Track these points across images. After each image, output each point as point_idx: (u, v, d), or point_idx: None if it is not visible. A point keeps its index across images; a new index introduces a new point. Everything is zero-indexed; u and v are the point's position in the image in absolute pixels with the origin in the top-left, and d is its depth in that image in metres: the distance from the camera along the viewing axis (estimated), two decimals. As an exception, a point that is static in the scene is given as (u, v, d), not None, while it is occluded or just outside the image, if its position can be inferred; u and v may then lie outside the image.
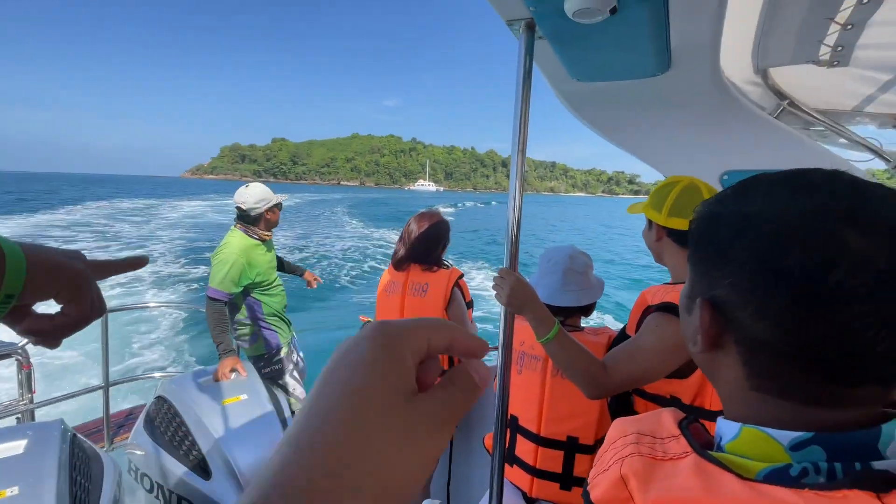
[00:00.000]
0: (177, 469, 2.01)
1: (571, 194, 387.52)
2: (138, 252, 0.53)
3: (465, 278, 2.28)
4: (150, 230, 26.25)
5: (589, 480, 0.52)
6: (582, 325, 1.74)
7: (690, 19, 1.14)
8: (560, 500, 1.58)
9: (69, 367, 6.78)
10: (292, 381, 2.86)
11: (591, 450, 1.55)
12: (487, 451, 1.79)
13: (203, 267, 15.38)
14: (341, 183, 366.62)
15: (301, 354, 3.02)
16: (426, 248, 2.18)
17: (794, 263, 0.39)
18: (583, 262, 1.69)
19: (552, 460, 1.57)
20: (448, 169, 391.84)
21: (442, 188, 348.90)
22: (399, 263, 2.23)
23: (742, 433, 0.43)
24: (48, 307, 0.49)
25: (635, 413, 1.47)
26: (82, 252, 0.50)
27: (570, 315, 1.67)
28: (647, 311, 1.28)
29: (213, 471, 2.02)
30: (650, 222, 1.41)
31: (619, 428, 0.54)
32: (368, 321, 2.50)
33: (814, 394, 0.41)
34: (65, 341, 0.52)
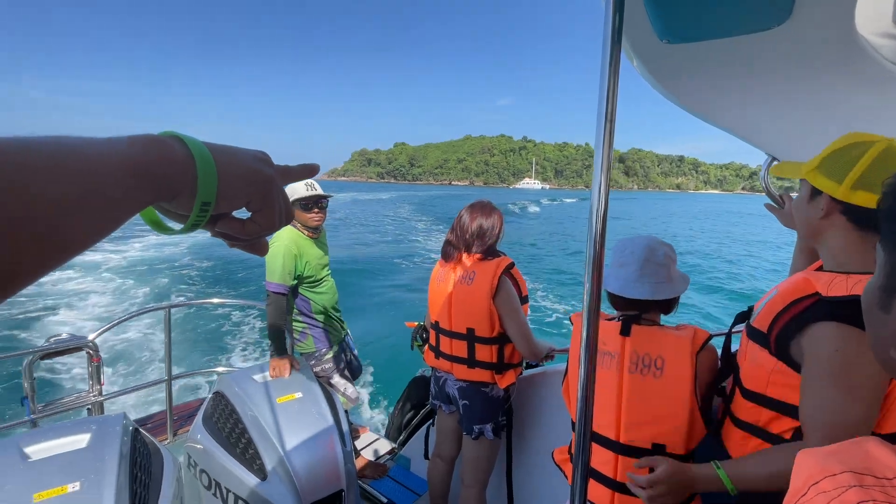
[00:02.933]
0: (234, 467, 2.07)
1: (703, 192, 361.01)
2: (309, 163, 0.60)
3: None
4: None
5: None
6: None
7: None
8: None
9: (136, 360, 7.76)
10: (342, 381, 2.85)
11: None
12: (558, 466, 1.70)
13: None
14: (452, 183, 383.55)
15: (355, 352, 3.02)
16: (477, 237, 2.17)
17: None
18: (663, 254, 1.55)
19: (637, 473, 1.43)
20: (559, 167, 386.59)
21: (548, 186, 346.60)
22: (449, 254, 2.22)
23: None
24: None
25: (742, 421, 1.24)
26: (266, 153, 0.50)
27: (646, 310, 1.54)
28: (815, 305, 1.04)
29: (269, 472, 2.05)
30: (812, 191, 1.15)
31: (817, 464, 0.44)
32: (415, 326, 2.51)
33: None
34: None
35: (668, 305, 1.57)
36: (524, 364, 2.44)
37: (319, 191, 2.72)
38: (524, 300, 2.21)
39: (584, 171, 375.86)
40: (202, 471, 2.16)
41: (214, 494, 2.11)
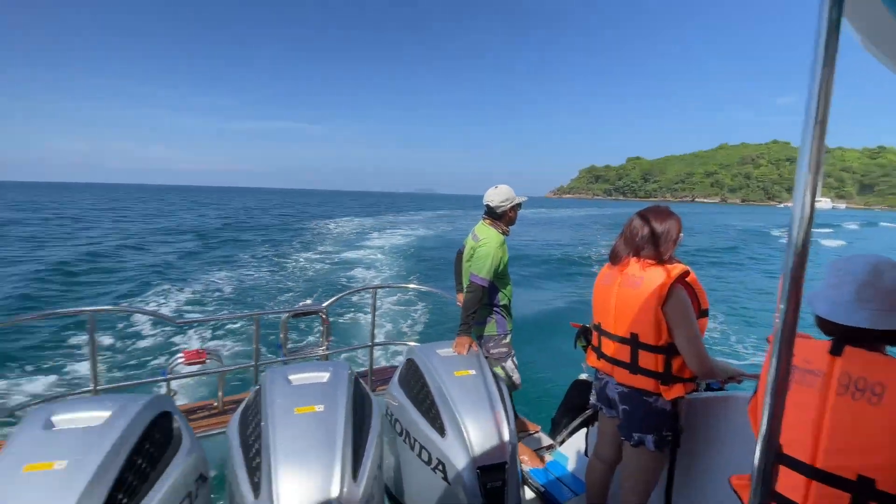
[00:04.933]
0: (420, 422, 2.54)
1: None
2: None
3: None
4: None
5: None
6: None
7: None
8: None
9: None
10: (512, 365, 3.19)
11: (894, 501, 1.19)
12: (734, 491, 1.59)
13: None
14: (695, 199, 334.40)
15: None
16: (648, 242, 2.12)
17: None
18: (892, 277, 1.33)
19: (833, 502, 1.28)
20: (866, 179, 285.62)
21: (843, 205, 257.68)
22: (616, 257, 2.22)
23: None
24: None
25: None
26: None
27: (865, 340, 1.33)
28: None
29: (448, 430, 2.49)
30: None
31: None
32: (581, 326, 2.64)
33: None
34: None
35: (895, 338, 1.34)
36: (705, 385, 2.35)
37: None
38: (703, 313, 2.09)
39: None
40: (396, 420, 2.72)
41: (404, 441, 2.64)
